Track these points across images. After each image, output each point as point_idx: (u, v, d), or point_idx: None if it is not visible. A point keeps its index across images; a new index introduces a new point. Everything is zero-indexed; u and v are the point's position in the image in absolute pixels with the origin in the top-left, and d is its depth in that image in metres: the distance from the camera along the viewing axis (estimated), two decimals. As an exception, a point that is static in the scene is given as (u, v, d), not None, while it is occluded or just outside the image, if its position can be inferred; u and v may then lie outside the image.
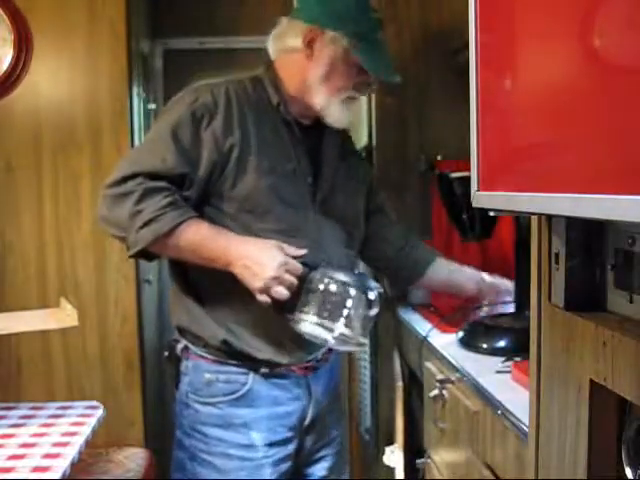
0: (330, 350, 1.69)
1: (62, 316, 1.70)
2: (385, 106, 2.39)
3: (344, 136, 1.80)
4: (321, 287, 1.46)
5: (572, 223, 0.85)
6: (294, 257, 1.50)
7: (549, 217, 0.90)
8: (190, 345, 1.63)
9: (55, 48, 2.30)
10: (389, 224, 1.85)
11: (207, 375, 1.59)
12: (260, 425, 1.60)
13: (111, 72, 2.32)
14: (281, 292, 1.45)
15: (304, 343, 1.56)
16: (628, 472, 0.78)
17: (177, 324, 1.66)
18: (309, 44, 1.60)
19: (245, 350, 1.58)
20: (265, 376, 1.60)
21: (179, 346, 1.65)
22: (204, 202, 1.55)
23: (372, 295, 1.50)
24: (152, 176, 1.47)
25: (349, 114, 1.67)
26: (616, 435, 0.80)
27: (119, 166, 1.51)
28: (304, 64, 1.61)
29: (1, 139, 2.31)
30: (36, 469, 1.36)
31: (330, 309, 1.45)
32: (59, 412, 1.70)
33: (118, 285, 2.37)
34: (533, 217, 0.96)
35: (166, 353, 1.70)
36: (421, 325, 2.01)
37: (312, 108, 1.63)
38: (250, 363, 1.59)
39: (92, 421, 1.65)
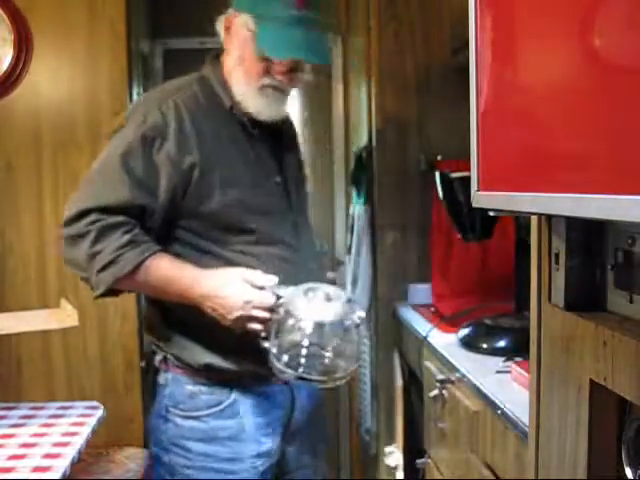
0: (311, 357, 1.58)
1: (62, 316, 1.70)
2: (385, 106, 2.39)
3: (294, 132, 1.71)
4: (287, 322, 1.35)
5: (572, 223, 0.85)
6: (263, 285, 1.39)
7: (549, 217, 0.90)
8: (170, 357, 1.54)
9: (55, 48, 2.30)
10: None
11: (189, 387, 1.51)
12: (246, 436, 1.53)
13: (111, 72, 2.32)
14: (255, 327, 1.39)
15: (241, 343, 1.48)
16: (628, 472, 0.78)
17: (155, 342, 1.58)
18: (227, 30, 1.51)
19: (228, 368, 1.50)
20: (249, 386, 1.53)
21: (157, 357, 1.56)
22: (172, 224, 1.46)
23: (353, 319, 1.39)
24: (108, 211, 1.38)
25: (276, 106, 1.51)
26: (616, 435, 0.80)
27: (73, 200, 1.43)
28: (227, 54, 1.53)
29: (1, 139, 2.31)
30: (36, 469, 1.36)
31: (288, 347, 1.36)
32: (59, 412, 1.70)
33: (118, 285, 2.37)
34: (533, 217, 0.96)
35: (142, 363, 1.63)
36: (421, 325, 2.01)
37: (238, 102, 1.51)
38: (233, 376, 1.51)
39: (92, 421, 1.64)
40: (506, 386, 1.38)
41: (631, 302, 0.77)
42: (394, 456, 2.23)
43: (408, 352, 2.19)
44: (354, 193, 2.59)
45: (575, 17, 0.65)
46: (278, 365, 1.36)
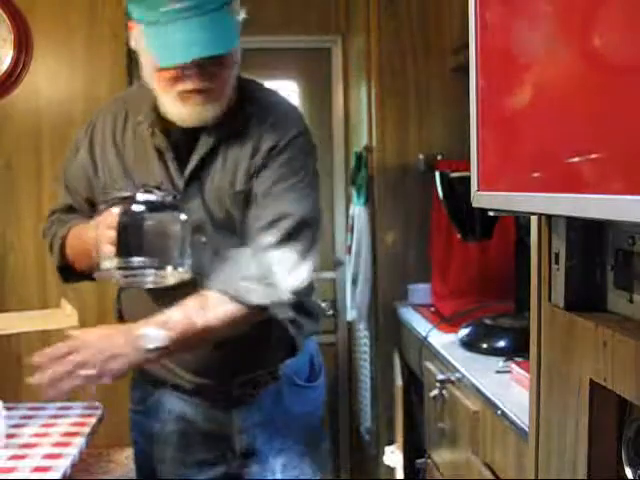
0: (256, 386, 1.51)
1: (62, 316, 1.70)
2: (385, 106, 2.40)
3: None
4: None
5: (572, 223, 0.85)
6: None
7: (549, 217, 0.90)
8: None
9: (55, 48, 2.30)
10: None
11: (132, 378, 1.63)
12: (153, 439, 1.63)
13: (111, 72, 2.32)
14: (108, 248, 1.32)
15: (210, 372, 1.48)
16: (628, 472, 0.78)
17: None
18: (135, 40, 1.37)
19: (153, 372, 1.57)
20: (166, 387, 1.56)
21: None
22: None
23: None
24: (55, 211, 1.58)
25: (201, 110, 1.34)
26: (616, 435, 0.80)
27: None
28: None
29: (1, 139, 2.31)
30: (37, 469, 1.36)
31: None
32: (59, 412, 1.69)
33: (118, 285, 2.37)
34: (533, 217, 0.96)
35: None
36: (421, 325, 2.01)
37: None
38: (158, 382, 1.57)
39: (92, 421, 1.64)
40: (506, 386, 1.38)
41: (631, 302, 0.77)
42: (394, 456, 2.23)
43: (408, 352, 2.19)
44: (354, 193, 2.59)
45: (575, 17, 0.65)
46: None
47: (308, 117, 1.64)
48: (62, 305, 1.74)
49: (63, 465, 1.38)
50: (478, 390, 1.41)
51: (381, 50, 2.38)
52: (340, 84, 2.88)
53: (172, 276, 1.35)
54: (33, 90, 2.27)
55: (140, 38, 1.32)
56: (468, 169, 0.89)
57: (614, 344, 0.73)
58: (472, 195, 0.88)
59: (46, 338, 2.35)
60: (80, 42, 2.31)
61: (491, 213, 0.88)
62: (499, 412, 1.28)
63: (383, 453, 2.34)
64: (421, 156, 2.37)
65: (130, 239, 1.31)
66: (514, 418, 1.21)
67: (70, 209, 1.55)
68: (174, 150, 1.41)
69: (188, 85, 1.31)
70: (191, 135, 1.39)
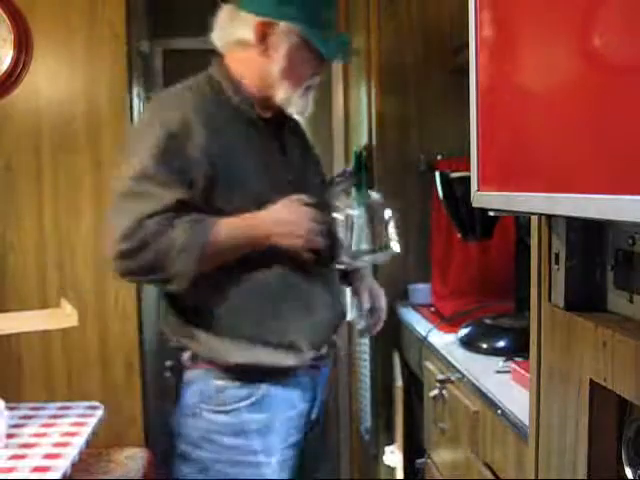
0: (331, 346, 1.67)
1: (62, 316, 1.70)
2: (385, 106, 2.39)
3: (301, 129, 1.75)
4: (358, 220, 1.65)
5: (572, 223, 0.85)
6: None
7: (549, 217, 0.90)
8: (198, 355, 1.54)
9: (55, 48, 2.30)
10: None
11: (218, 382, 1.51)
12: (276, 429, 1.54)
13: (111, 72, 2.32)
14: (319, 241, 1.51)
15: (313, 342, 1.55)
16: (628, 472, 0.78)
17: (181, 341, 1.57)
18: (263, 39, 1.50)
19: (259, 364, 1.51)
20: (277, 380, 1.53)
21: (185, 355, 1.56)
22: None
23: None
24: (159, 212, 1.40)
25: (310, 103, 1.59)
26: (616, 435, 0.80)
27: (118, 214, 1.42)
28: (260, 60, 1.52)
29: (1, 139, 2.31)
30: (36, 469, 1.36)
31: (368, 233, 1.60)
32: (59, 412, 1.70)
33: (118, 285, 2.37)
34: (533, 217, 0.95)
35: (168, 363, 1.61)
36: (421, 325, 2.01)
37: (273, 102, 1.55)
38: (263, 371, 1.52)
39: (92, 421, 1.65)
40: (506, 386, 1.38)
41: (631, 302, 0.77)
42: (394, 456, 2.23)
43: (408, 352, 2.19)
44: (354, 193, 2.59)
45: (575, 17, 0.65)
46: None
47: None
48: (62, 305, 1.74)
49: (63, 465, 1.38)
50: (478, 390, 1.41)
51: (381, 50, 2.38)
52: (340, 84, 2.87)
53: (386, 255, 1.66)
54: (33, 90, 2.27)
55: (288, 36, 1.49)
56: (468, 169, 0.89)
57: (614, 344, 0.73)
58: (472, 195, 0.88)
59: (46, 338, 2.36)
60: (80, 42, 2.31)
61: (491, 213, 0.88)
62: (499, 412, 1.28)
63: (383, 453, 2.34)
64: (421, 156, 2.37)
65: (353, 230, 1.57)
66: (514, 418, 1.21)
67: (182, 205, 1.43)
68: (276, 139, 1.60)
69: (316, 80, 1.57)
70: (275, 125, 1.59)
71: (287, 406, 1.55)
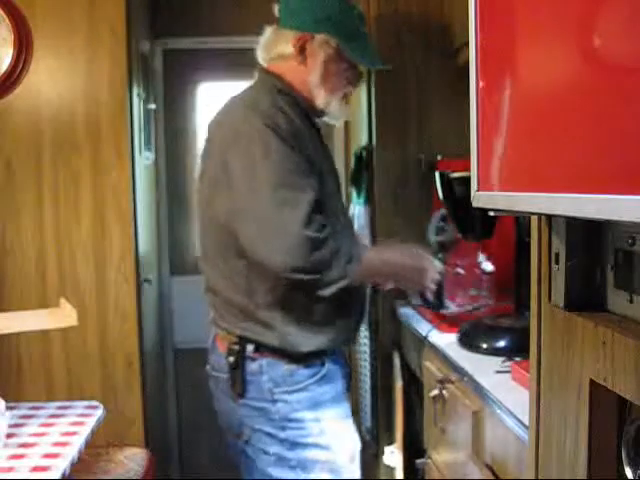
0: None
1: (62, 316, 1.70)
2: (385, 106, 2.39)
3: None
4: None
5: (572, 223, 0.85)
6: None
7: (549, 217, 0.90)
8: (264, 345, 1.66)
9: (55, 48, 2.30)
10: None
11: (286, 366, 1.66)
12: (340, 398, 1.75)
13: (111, 72, 2.32)
14: (433, 288, 1.73)
15: (352, 325, 1.76)
16: (628, 472, 0.78)
17: (242, 335, 1.67)
18: (300, 50, 1.67)
19: (323, 348, 1.69)
20: (333, 356, 1.73)
21: (249, 347, 1.66)
22: None
23: None
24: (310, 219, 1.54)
25: (347, 110, 1.80)
26: (616, 435, 0.80)
27: (279, 230, 1.53)
28: (300, 69, 1.69)
29: (1, 139, 2.31)
30: (36, 469, 1.36)
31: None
32: (59, 412, 1.69)
33: (118, 285, 2.37)
34: (533, 217, 0.95)
35: (231, 359, 1.67)
36: (421, 325, 2.01)
37: (316, 109, 1.72)
38: (326, 353, 1.71)
39: (92, 421, 1.64)
40: (506, 386, 1.38)
41: (631, 302, 0.77)
42: (394, 456, 2.23)
43: (408, 352, 2.19)
44: (354, 193, 2.59)
45: (575, 17, 0.65)
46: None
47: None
48: (61, 305, 1.73)
49: (62, 465, 1.38)
50: (478, 390, 1.41)
51: (381, 50, 2.37)
52: (340, 84, 2.87)
53: None
54: (33, 90, 2.27)
55: (323, 47, 1.67)
56: (468, 169, 0.89)
57: (614, 344, 0.73)
58: (472, 195, 0.88)
59: (46, 338, 2.36)
60: (80, 42, 2.31)
61: (491, 213, 0.88)
62: (499, 412, 1.28)
63: (383, 453, 2.34)
64: (421, 156, 2.37)
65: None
66: (514, 418, 1.21)
67: (315, 205, 1.57)
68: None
69: (350, 89, 1.76)
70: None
71: (340, 378, 1.75)
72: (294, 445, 1.68)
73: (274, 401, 1.66)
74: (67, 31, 2.30)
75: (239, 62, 2.88)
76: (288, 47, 1.69)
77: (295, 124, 1.62)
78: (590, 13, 0.62)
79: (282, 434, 1.68)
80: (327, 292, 1.59)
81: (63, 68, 2.33)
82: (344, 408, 1.76)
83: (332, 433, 1.71)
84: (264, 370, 1.65)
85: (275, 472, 1.70)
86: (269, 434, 1.68)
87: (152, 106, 2.74)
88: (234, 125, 1.61)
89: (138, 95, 2.50)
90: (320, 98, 1.70)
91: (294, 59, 1.69)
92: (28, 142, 2.33)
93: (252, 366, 1.66)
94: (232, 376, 1.67)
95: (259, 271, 1.60)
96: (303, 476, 1.69)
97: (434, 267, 1.71)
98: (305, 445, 1.68)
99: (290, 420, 1.67)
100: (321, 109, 1.72)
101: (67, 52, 2.31)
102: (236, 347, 1.67)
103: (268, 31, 1.74)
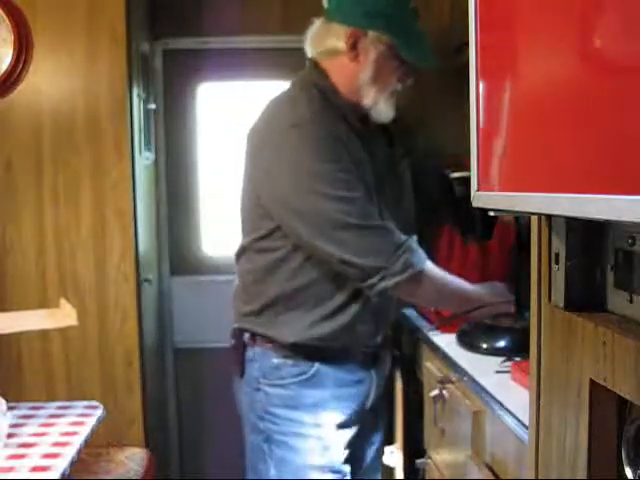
0: (385, 337, 1.85)
1: (62, 316, 1.70)
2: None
3: (390, 134, 1.86)
4: None
5: (572, 223, 0.85)
6: None
7: (549, 217, 0.90)
8: (258, 335, 1.72)
9: (55, 48, 2.30)
10: None
11: (275, 360, 1.69)
12: (328, 405, 1.70)
13: (111, 72, 2.32)
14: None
15: (366, 329, 1.72)
16: (628, 472, 0.78)
17: (242, 321, 1.76)
18: (352, 47, 1.63)
19: (312, 345, 1.68)
20: (331, 359, 1.70)
21: (246, 335, 1.74)
22: None
23: None
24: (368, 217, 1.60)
25: (393, 108, 1.72)
26: (616, 435, 0.80)
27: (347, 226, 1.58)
28: (351, 66, 1.65)
29: (1, 139, 2.31)
30: (35, 469, 1.36)
31: None
32: (59, 412, 1.70)
33: (118, 285, 2.37)
34: (533, 217, 0.95)
35: (232, 341, 1.77)
36: (421, 325, 2.01)
37: (361, 109, 1.69)
38: (316, 352, 1.69)
39: (92, 421, 1.64)
40: (506, 386, 1.38)
41: (631, 302, 0.77)
42: (394, 456, 2.23)
43: (408, 352, 2.19)
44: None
45: (575, 17, 0.65)
46: None
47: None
48: (61, 305, 1.74)
49: (62, 465, 1.38)
50: (478, 390, 1.41)
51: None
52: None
53: None
54: (33, 90, 2.27)
55: (375, 44, 1.63)
56: (468, 169, 0.89)
57: (614, 344, 0.73)
58: (472, 195, 0.88)
59: (46, 338, 2.35)
60: (80, 42, 2.30)
61: (491, 213, 0.88)
62: (499, 412, 1.28)
63: (383, 453, 2.34)
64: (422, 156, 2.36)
65: None
66: (514, 418, 1.21)
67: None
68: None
69: (399, 86, 1.71)
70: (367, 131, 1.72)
71: (338, 384, 1.71)
72: (269, 439, 1.71)
73: (258, 390, 1.71)
74: (67, 31, 2.30)
75: (239, 62, 2.89)
76: (339, 42, 1.64)
77: (330, 129, 1.60)
78: (590, 13, 0.62)
79: (261, 425, 1.72)
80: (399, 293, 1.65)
81: (63, 68, 2.32)
82: (328, 417, 1.71)
83: (305, 438, 1.70)
84: (256, 358, 1.71)
85: (254, 459, 1.76)
86: (252, 421, 1.75)
87: (152, 106, 2.74)
88: (269, 129, 1.65)
89: (138, 95, 2.50)
90: (369, 97, 1.67)
91: (345, 55, 1.65)
92: (28, 142, 2.32)
93: (248, 353, 1.73)
94: (235, 356, 1.75)
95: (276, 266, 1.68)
96: (272, 472, 1.72)
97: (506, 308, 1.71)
98: (278, 442, 1.70)
99: (267, 413, 1.71)
100: (367, 108, 1.69)
101: (67, 52, 2.31)
102: (237, 332, 1.75)
103: (316, 24, 1.70)
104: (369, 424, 1.85)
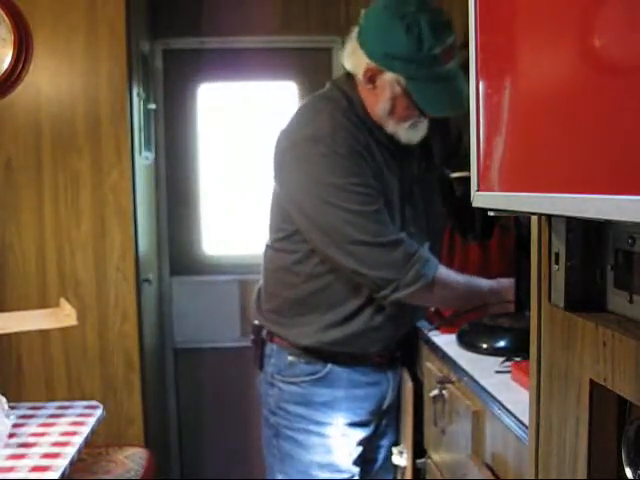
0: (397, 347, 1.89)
1: (61, 316, 1.70)
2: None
3: (427, 149, 1.87)
4: None
5: (572, 223, 0.85)
6: None
7: (549, 217, 0.90)
8: (274, 332, 1.78)
9: (55, 48, 2.30)
10: None
11: (290, 357, 1.75)
12: (339, 405, 1.75)
13: (111, 72, 2.32)
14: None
15: (382, 335, 1.76)
16: (628, 472, 0.78)
17: (261, 319, 1.82)
18: (370, 80, 1.66)
19: (324, 348, 1.74)
20: (344, 361, 1.75)
21: (264, 331, 1.81)
22: None
23: None
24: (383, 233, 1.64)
25: (420, 132, 1.74)
26: (616, 435, 0.80)
27: (355, 244, 1.62)
28: (370, 94, 1.69)
29: (1, 139, 2.31)
30: (36, 468, 1.36)
31: None
32: (59, 412, 1.70)
33: (118, 285, 2.37)
34: (533, 217, 0.95)
35: (252, 337, 1.84)
36: (421, 325, 2.01)
37: (385, 130, 1.72)
38: (329, 354, 1.74)
39: (92, 421, 1.64)
40: (506, 386, 1.38)
41: (631, 302, 0.77)
42: (400, 457, 2.22)
43: (408, 352, 2.19)
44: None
45: (575, 18, 0.65)
46: None
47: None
48: (61, 305, 1.74)
49: (62, 465, 1.38)
50: (478, 390, 1.41)
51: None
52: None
53: None
54: (33, 90, 2.27)
55: (392, 85, 1.64)
56: (468, 169, 0.89)
57: (614, 344, 0.73)
58: (472, 195, 0.88)
59: (46, 338, 2.35)
60: (80, 42, 2.31)
61: (491, 213, 0.88)
62: (499, 412, 1.28)
63: (392, 453, 2.33)
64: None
65: None
66: (514, 418, 1.21)
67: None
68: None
69: (422, 119, 1.71)
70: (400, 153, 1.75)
71: (351, 385, 1.76)
72: (278, 434, 1.77)
73: (272, 385, 1.77)
74: (67, 31, 2.30)
75: (239, 62, 2.90)
76: (360, 70, 1.67)
77: (351, 143, 1.63)
78: (590, 13, 0.62)
79: (272, 419, 1.78)
80: (403, 294, 1.65)
81: (63, 68, 2.33)
82: (338, 416, 1.76)
83: (313, 435, 1.75)
84: (273, 354, 1.77)
85: (266, 452, 1.82)
86: (265, 415, 1.81)
87: (152, 106, 2.74)
88: (291, 138, 1.69)
89: (138, 95, 2.50)
90: (388, 126, 1.71)
91: (365, 84, 1.68)
92: (28, 142, 2.32)
93: (266, 348, 1.79)
94: (255, 351, 1.81)
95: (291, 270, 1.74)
96: (279, 466, 1.77)
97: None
98: (286, 437, 1.75)
99: (279, 408, 1.76)
100: (390, 133, 1.72)
101: (67, 52, 2.31)
102: (257, 328, 1.82)
103: (350, 41, 1.70)
104: (383, 425, 1.89)
